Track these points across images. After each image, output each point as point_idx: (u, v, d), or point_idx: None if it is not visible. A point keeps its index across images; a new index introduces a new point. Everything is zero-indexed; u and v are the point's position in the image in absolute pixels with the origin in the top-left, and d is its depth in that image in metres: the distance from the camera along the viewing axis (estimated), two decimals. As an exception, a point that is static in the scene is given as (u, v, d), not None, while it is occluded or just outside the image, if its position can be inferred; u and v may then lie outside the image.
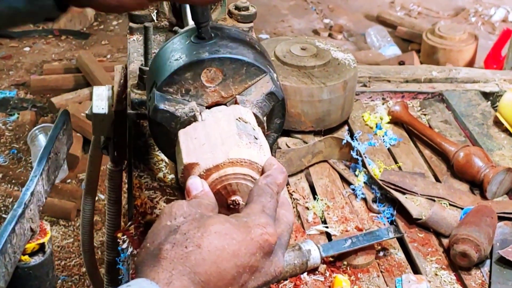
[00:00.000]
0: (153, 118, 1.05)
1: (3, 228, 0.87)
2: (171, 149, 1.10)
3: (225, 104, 1.10)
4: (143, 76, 1.24)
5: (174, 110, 1.05)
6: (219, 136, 1.00)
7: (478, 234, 1.38)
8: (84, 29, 5.25)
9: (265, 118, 1.09)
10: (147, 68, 1.23)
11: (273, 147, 1.22)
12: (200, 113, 1.06)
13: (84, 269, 2.98)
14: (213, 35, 1.09)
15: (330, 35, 5.52)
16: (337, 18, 5.85)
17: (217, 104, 1.10)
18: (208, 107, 1.09)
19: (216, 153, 0.97)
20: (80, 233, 1.77)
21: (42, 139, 3.59)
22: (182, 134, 1.04)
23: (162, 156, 1.58)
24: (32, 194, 0.94)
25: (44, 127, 3.68)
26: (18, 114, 4.10)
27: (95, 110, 1.43)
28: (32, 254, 1.00)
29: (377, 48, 5.26)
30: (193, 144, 1.00)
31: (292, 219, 0.96)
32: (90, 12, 5.30)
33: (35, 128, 3.69)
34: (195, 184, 0.94)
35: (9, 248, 0.86)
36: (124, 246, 1.34)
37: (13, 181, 3.54)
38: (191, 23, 1.37)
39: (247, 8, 1.55)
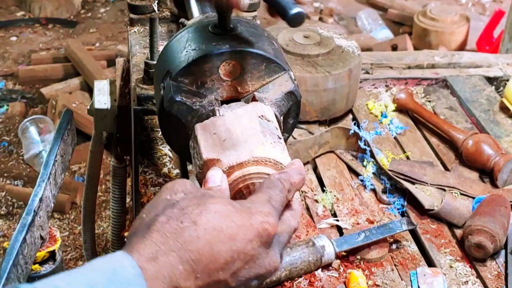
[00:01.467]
0: (168, 110, 0.99)
1: (13, 239, 0.82)
2: (181, 142, 1.05)
3: (239, 100, 1.06)
4: (149, 71, 1.19)
5: (192, 102, 0.99)
6: (241, 133, 0.95)
7: (493, 224, 1.35)
8: (71, 17, 5.15)
9: (282, 118, 1.05)
10: (154, 62, 1.18)
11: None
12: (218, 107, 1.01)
13: (81, 263, 2.94)
14: (232, 26, 1.04)
15: (320, 19, 5.46)
16: (327, 2, 5.79)
17: (232, 98, 1.05)
18: (222, 102, 1.05)
19: (240, 151, 0.92)
20: (82, 231, 1.72)
21: (33, 131, 3.53)
22: (200, 128, 0.99)
23: (166, 150, 1.54)
24: (41, 200, 0.89)
25: (35, 119, 3.61)
26: (8, 105, 4.03)
27: (97, 105, 1.38)
28: (42, 262, 0.96)
29: (368, 32, 5.21)
30: (213, 139, 0.95)
31: (295, 226, 0.90)
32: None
33: (25, 120, 3.62)
34: (214, 177, 0.90)
35: (21, 259, 0.81)
36: (132, 245, 1.30)
37: (5, 174, 3.48)
38: (195, 14, 1.32)
39: (251, -4, 1.50)
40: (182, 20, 1.17)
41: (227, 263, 0.79)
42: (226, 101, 1.06)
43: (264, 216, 0.82)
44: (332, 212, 1.50)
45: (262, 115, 0.97)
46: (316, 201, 1.51)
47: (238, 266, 0.81)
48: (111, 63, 4.25)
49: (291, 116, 1.10)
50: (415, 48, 4.71)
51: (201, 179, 0.94)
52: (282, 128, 1.06)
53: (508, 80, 1.98)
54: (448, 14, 4.89)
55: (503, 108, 1.84)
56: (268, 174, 0.91)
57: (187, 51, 1.02)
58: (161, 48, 1.23)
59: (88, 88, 4.00)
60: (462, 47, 4.88)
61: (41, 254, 0.96)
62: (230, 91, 1.04)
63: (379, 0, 5.69)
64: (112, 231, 1.51)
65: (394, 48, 4.56)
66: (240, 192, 0.93)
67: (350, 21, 5.48)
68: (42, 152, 3.31)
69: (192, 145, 0.99)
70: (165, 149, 1.54)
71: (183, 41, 1.06)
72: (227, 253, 0.79)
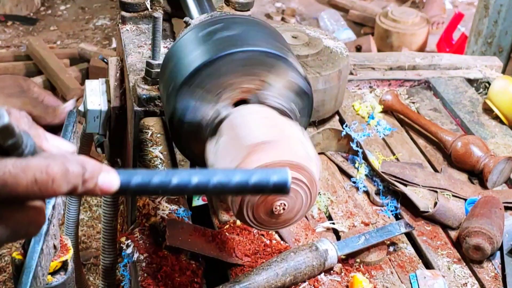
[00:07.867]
0: (184, 120, 0.98)
1: (31, 249, 0.77)
2: (195, 148, 1.03)
3: (247, 102, 1.04)
4: (151, 71, 1.15)
5: (205, 109, 0.98)
6: (283, 129, 0.97)
7: (490, 226, 1.36)
8: (31, 14, 5.02)
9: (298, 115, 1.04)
10: (156, 62, 1.14)
11: None
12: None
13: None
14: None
15: (283, 19, 5.46)
16: (289, 2, 5.80)
17: (241, 99, 1.04)
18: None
19: (288, 151, 0.94)
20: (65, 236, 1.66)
21: (-5, 131, 3.41)
22: (237, 113, 0.99)
23: (156, 152, 1.51)
24: (53, 207, 0.84)
25: (-3, 119, 3.49)
26: (-34, 104, 3.89)
27: (89, 106, 1.33)
28: (53, 272, 0.92)
29: (331, 32, 5.23)
30: (257, 126, 0.96)
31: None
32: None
33: (-13, 119, 3.50)
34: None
35: (39, 271, 0.77)
36: (129, 251, 1.26)
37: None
38: (193, 13, 1.29)
39: (244, -4, 1.47)
40: (186, 19, 1.14)
41: None
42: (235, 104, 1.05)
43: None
44: (327, 215, 1.48)
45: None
46: (311, 203, 1.49)
47: None
48: (74, 61, 4.15)
49: (302, 114, 1.09)
50: (378, 49, 4.75)
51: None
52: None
53: (488, 82, 2.01)
54: (409, 16, 4.95)
55: (487, 110, 1.86)
56: (306, 185, 0.91)
57: (193, 56, 1.02)
58: (162, 49, 1.20)
59: (51, 87, 3.89)
60: (422, 48, 4.95)
61: (54, 264, 0.91)
62: (240, 92, 1.03)
63: (340, 1, 5.72)
64: (103, 235, 1.46)
65: (358, 48, 4.59)
66: None
67: (312, 22, 5.49)
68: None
69: (229, 129, 0.97)
70: (156, 151, 1.51)
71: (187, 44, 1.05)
72: None
